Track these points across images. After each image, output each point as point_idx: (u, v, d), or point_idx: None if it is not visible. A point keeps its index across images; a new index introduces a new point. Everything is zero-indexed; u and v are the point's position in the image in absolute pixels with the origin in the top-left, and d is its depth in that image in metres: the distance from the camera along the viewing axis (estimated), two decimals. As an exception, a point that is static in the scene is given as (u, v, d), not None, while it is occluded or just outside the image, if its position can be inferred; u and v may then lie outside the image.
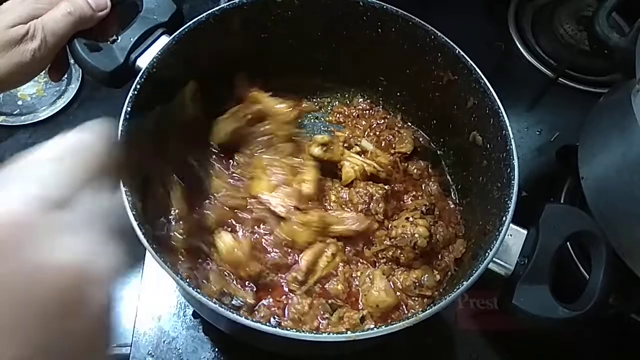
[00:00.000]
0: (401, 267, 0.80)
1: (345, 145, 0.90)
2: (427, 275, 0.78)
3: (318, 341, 0.60)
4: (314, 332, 0.73)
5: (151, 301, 0.89)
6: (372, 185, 0.84)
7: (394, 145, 0.93)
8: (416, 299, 0.78)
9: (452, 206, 0.90)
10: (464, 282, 0.64)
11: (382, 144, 0.94)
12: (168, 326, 0.88)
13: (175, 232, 0.77)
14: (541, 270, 0.70)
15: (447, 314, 0.92)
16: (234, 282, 0.76)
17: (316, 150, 0.86)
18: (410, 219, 0.80)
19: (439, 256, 0.82)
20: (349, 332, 0.61)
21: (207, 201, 0.82)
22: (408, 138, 0.93)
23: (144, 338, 0.86)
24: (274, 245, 0.80)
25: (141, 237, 0.63)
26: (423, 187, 0.91)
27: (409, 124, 0.98)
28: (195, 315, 0.88)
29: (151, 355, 0.85)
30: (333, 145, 0.88)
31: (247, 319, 0.60)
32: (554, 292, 0.70)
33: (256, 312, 0.76)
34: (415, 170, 0.91)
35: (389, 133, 0.94)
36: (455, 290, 0.64)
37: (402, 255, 0.79)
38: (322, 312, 0.76)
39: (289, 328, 0.73)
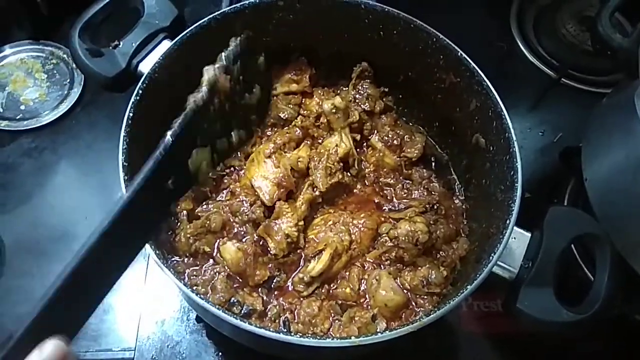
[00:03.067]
0: (406, 266, 0.80)
1: (353, 125, 0.90)
2: (433, 272, 0.78)
3: (322, 346, 0.60)
4: (322, 335, 0.74)
5: (154, 306, 0.89)
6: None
7: (403, 148, 0.92)
8: (425, 297, 0.79)
9: (458, 204, 0.90)
10: (468, 286, 0.64)
11: (392, 144, 0.93)
12: (172, 330, 0.88)
13: (181, 235, 0.78)
14: (545, 274, 0.70)
15: (452, 317, 0.92)
16: (244, 288, 0.76)
17: (327, 105, 0.87)
18: (408, 218, 0.81)
19: (443, 252, 0.82)
20: (353, 337, 0.61)
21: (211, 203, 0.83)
22: (419, 144, 0.92)
23: (147, 342, 0.86)
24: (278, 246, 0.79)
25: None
26: (420, 190, 0.90)
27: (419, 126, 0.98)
28: (198, 319, 0.88)
29: (155, 359, 0.85)
30: (343, 114, 0.88)
31: (251, 325, 0.60)
32: (558, 295, 0.69)
33: (267, 317, 0.76)
34: (417, 177, 0.91)
35: (403, 135, 0.93)
36: (459, 293, 0.64)
37: (405, 254, 0.79)
38: (332, 314, 0.77)
39: (299, 331, 0.74)
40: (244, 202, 0.82)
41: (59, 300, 0.47)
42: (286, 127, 0.90)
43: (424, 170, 0.92)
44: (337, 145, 0.86)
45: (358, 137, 0.91)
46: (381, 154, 0.91)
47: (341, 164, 0.86)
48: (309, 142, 0.90)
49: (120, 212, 0.51)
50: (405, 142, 0.92)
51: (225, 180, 0.85)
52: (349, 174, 0.88)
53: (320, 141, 0.90)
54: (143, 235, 0.57)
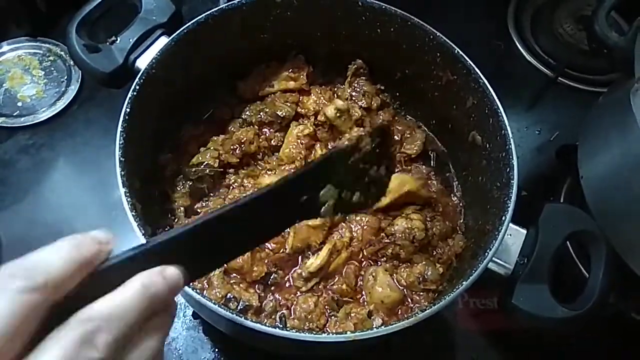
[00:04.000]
0: (403, 263, 0.81)
1: (357, 122, 0.91)
2: (430, 268, 0.79)
3: (319, 341, 0.61)
4: (318, 331, 0.74)
5: (151, 302, 0.89)
6: None
7: (403, 144, 0.93)
8: (422, 293, 0.79)
9: (455, 200, 0.90)
10: (464, 282, 0.64)
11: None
12: (168, 327, 0.88)
13: None
14: (541, 270, 0.70)
15: (448, 314, 0.92)
16: (240, 284, 0.76)
17: (330, 111, 0.87)
18: (404, 215, 0.82)
19: (439, 249, 0.82)
20: (349, 332, 0.61)
21: (210, 199, 0.83)
22: (419, 141, 0.92)
23: (144, 339, 0.86)
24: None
25: (142, 239, 0.63)
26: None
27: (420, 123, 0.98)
28: (195, 315, 0.88)
29: (151, 356, 0.85)
30: (347, 115, 0.88)
31: (247, 320, 0.60)
32: (553, 291, 0.70)
33: (263, 313, 0.76)
34: (417, 174, 0.91)
35: (403, 131, 0.94)
36: (455, 289, 0.64)
37: (401, 251, 0.80)
38: (328, 310, 0.77)
39: (295, 327, 0.74)
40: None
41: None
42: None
43: (423, 166, 0.92)
44: None
45: None
46: None
47: None
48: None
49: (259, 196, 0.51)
50: (405, 137, 0.92)
51: (228, 176, 0.86)
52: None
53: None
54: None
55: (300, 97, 0.94)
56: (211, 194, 0.84)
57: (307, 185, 0.57)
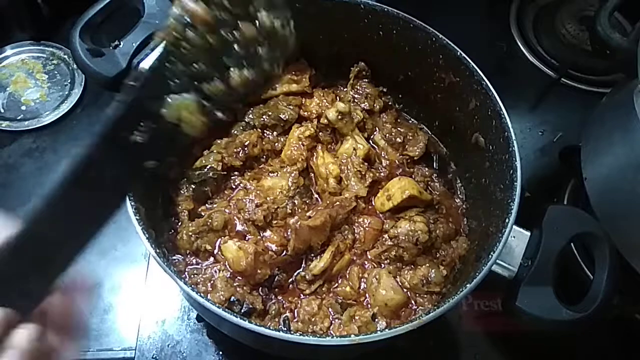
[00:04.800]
0: (406, 265, 0.81)
1: (359, 125, 0.91)
2: (433, 271, 0.79)
3: (323, 344, 0.61)
4: (322, 334, 0.74)
5: (155, 305, 0.90)
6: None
7: (405, 146, 0.93)
8: (425, 295, 0.79)
9: (458, 203, 0.90)
10: (468, 285, 0.64)
11: (395, 142, 0.93)
12: (172, 330, 0.88)
13: (183, 233, 0.78)
14: (545, 272, 0.70)
15: (452, 316, 0.92)
16: (244, 287, 0.76)
17: (331, 114, 0.87)
18: (408, 217, 0.82)
19: (443, 251, 0.82)
20: (353, 335, 0.61)
21: (214, 202, 0.83)
22: (421, 143, 0.92)
23: (148, 342, 0.87)
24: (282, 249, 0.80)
25: (145, 242, 0.63)
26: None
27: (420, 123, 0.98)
28: (199, 318, 0.88)
29: (155, 358, 0.86)
30: (348, 118, 0.88)
31: (251, 323, 0.60)
32: (557, 294, 0.69)
33: (267, 315, 0.76)
34: (419, 176, 0.91)
35: (405, 133, 0.94)
36: (459, 292, 0.64)
37: (405, 253, 0.80)
38: (332, 313, 0.77)
39: (299, 330, 0.74)
40: (252, 201, 0.82)
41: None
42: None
43: (426, 168, 0.92)
44: (355, 149, 0.87)
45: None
46: (384, 153, 0.92)
47: (366, 164, 0.87)
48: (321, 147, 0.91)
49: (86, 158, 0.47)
50: (407, 140, 0.92)
51: (233, 178, 0.86)
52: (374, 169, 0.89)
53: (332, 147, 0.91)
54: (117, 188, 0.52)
55: (303, 100, 0.94)
56: (215, 197, 0.84)
57: (125, 124, 0.48)
